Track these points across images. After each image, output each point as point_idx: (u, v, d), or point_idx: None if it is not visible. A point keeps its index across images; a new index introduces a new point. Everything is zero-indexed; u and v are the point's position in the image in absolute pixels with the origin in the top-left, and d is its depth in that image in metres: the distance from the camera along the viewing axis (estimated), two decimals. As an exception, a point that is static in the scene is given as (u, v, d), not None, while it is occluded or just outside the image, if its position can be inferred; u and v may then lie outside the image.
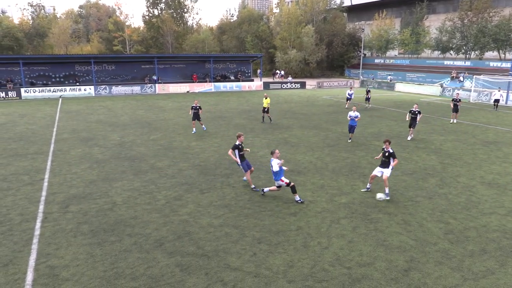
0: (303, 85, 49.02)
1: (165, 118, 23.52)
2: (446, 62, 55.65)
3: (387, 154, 11.10)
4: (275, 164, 10.31)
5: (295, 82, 49.22)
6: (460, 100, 23.42)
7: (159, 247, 8.17)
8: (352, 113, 17.46)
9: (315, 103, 32.75)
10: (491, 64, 49.07)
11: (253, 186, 11.51)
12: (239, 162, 11.49)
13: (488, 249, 8.43)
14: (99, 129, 19.97)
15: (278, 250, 8.31)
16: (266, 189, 10.90)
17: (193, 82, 44.31)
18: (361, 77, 58.83)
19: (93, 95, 37.38)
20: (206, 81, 44.85)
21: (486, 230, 9.30)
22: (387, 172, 11.02)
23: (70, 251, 7.93)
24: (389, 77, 56.82)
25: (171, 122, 22.20)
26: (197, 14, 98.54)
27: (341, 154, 15.78)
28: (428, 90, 45.35)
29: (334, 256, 8.15)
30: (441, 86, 45.89)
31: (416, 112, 18.23)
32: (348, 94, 28.97)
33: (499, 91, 31.99)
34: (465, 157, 15.52)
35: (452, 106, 23.29)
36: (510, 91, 33.60)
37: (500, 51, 52.82)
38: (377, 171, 11.27)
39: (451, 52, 58.80)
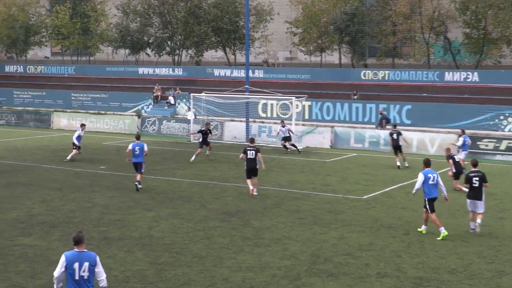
0: None
1: None
2: (141, 70, 63.55)
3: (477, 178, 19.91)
4: None
5: None
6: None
7: None
8: None
9: None
10: (217, 72, 59.41)
11: None
12: None
13: None
14: None
15: None
16: None
17: None
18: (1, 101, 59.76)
19: None
20: None
21: None
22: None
23: None
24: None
25: None
26: None
27: None
28: (116, 123, 50.03)
29: None
30: (138, 115, 51.45)
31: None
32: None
33: (283, 126, 39.15)
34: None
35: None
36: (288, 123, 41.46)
37: (228, 49, 64.81)
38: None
39: (148, 51, 67.26)
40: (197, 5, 62.80)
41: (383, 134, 40.65)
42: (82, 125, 36.16)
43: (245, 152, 25.70)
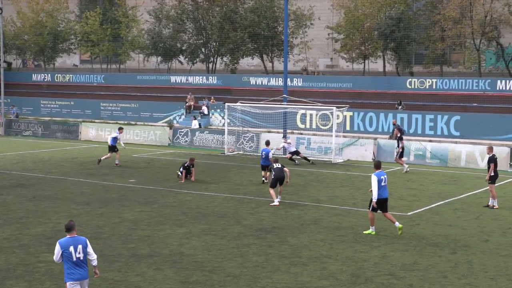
0: None
1: None
2: (174, 79, 64.11)
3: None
4: None
5: None
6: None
7: None
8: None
9: None
10: (253, 81, 59.64)
11: None
12: None
13: None
14: None
15: None
16: None
17: None
18: (15, 111, 60.66)
19: None
20: None
21: None
22: None
23: None
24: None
25: None
26: None
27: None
28: (147, 135, 50.50)
29: None
30: (170, 126, 51.83)
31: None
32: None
33: (285, 142, 41.24)
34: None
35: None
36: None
37: (265, 56, 64.94)
38: None
39: (181, 58, 67.72)
40: (233, 10, 62.96)
41: (430, 146, 40.46)
42: (120, 129, 39.77)
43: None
